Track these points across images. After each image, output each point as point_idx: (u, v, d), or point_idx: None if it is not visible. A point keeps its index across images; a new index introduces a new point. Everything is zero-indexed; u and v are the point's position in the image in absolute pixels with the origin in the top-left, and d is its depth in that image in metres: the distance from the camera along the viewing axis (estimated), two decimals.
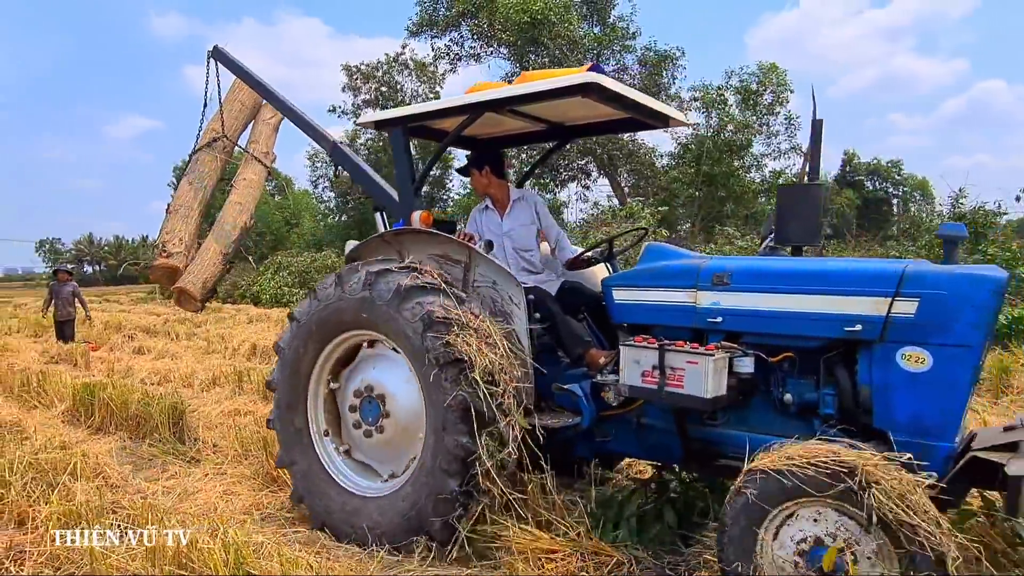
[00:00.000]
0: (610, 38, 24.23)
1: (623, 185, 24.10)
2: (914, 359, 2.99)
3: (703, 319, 3.49)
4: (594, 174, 28.61)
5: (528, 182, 5.94)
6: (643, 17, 50.65)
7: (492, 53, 25.63)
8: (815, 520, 2.63)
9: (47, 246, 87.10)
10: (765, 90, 27.15)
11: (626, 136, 25.14)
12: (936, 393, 2.94)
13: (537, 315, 3.93)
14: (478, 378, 3.35)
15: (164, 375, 8.79)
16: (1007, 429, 3.12)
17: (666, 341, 3.37)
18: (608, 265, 4.61)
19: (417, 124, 4.35)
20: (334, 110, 38.01)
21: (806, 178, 4.00)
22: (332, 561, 3.51)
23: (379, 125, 4.36)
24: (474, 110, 3.89)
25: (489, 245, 4.20)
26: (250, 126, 6.42)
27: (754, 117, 27.06)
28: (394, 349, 3.76)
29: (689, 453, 3.65)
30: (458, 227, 4.59)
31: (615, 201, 28.44)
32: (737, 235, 17.69)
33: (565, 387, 3.79)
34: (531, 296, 3.89)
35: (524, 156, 21.56)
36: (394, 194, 4.56)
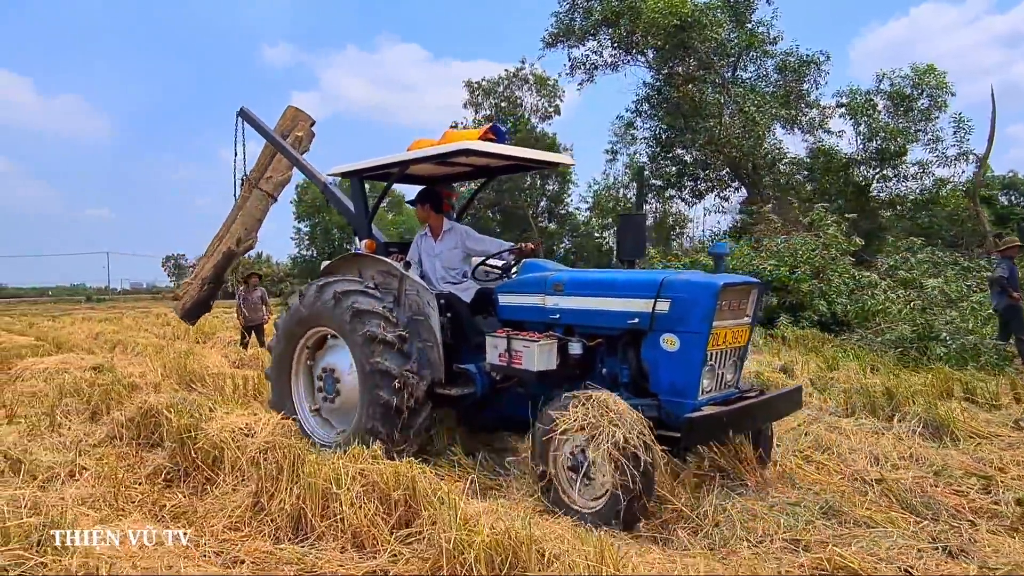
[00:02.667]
0: (750, 43, 22.38)
1: (768, 195, 22.06)
2: (670, 342, 4.11)
3: (548, 315, 4.68)
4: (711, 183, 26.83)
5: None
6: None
7: (630, 62, 24.39)
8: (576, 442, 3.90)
9: (172, 261, 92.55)
10: (921, 94, 24.43)
11: (769, 143, 23.22)
12: (683, 366, 4.09)
13: (448, 314, 5.21)
14: (394, 341, 4.82)
15: None
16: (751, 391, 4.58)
17: (512, 331, 4.65)
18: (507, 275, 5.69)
19: (369, 174, 5.87)
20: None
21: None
22: None
23: (344, 175, 5.93)
24: (401, 166, 5.47)
25: (407, 265, 5.48)
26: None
27: (907, 124, 24.31)
28: (341, 339, 5.19)
29: None
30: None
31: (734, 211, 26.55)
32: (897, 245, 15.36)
33: (463, 366, 5.03)
34: (443, 300, 5.22)
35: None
36: (373, 228, 6.01)
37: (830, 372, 8.65)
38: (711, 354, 4.16)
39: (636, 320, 4.21)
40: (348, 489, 3.74)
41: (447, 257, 5.66)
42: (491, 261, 5.71)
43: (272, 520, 3.87)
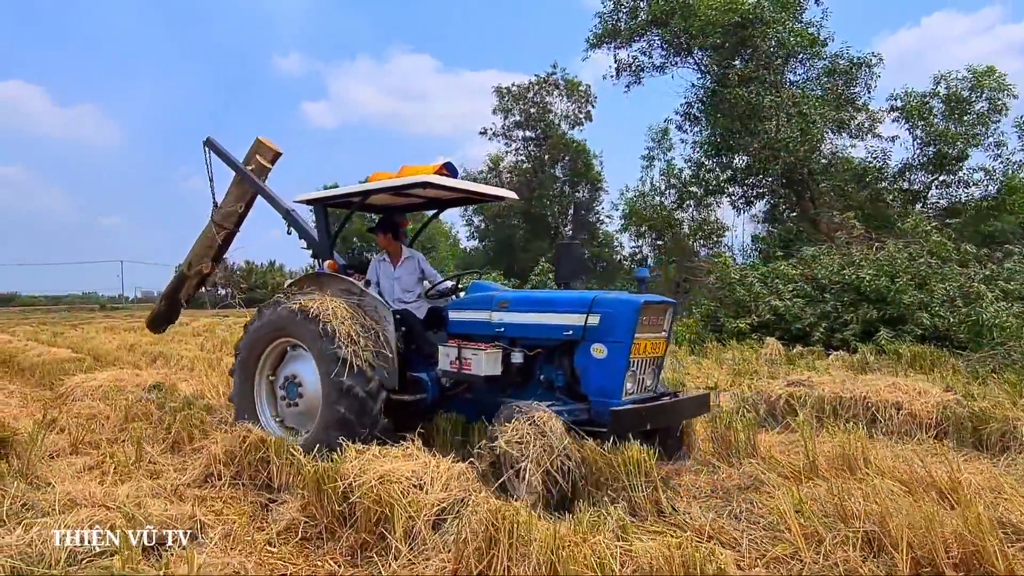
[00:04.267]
0: (812, 42, 21.37)
1: (825, 201, 21.06)
2: (598, 350, 4.80)
3: (494, 329, 5.33)
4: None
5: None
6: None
7: (678, 64, 23.45)
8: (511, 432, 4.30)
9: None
10: (979, 96, 23.42)
11: (826, 148, 22.27)
12: (609, 371, 4.77)
13: (403, 328, 5.80)
14: (358, 349, 5.31)
15: None
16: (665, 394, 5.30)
17: (463, 342, 5.32)
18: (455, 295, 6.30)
19: (332, 202, 6.37)
20: (485, 132, 37.35)
21: None
22: None
23: (309, 203, 6.42)
24: (362, 196, 6.05)
25: (367, 283, 6.07)
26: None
27: (964, 127, 23.27)
28: (304, 348, 5.66)
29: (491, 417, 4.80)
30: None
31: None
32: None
33: (416, 374, 5.67)
34: (399, 316, 5.81)
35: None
36: (331, 248, 6.49)
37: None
38: (633, 361, 4.82)
39: (571, 332, 4.90)
40: None
41: (405, 280, 6.33)
42: (441, 285, 6.34)
43: None
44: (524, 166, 38.85)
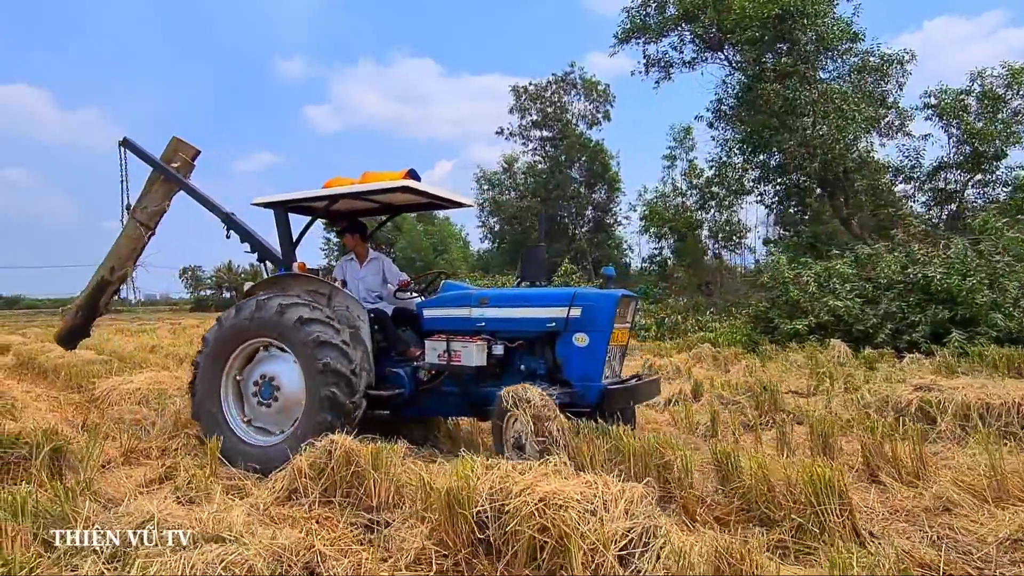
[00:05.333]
0: (854, 37, 20.71)
1: (862, 201, 20.42)
2: (581, 339, 5.29)
3: (476, 324, 5.64)
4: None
5: None
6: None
7: (708, 59, 22.78)
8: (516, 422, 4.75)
9: (189, 273, 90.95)
10: (1016, 94, 22.77)
11: (863, 146, 21.60)
12: (591, 358, 5.28)
13: (376, 327, 6.00)
14: (343, 347, 5.43)
15: None
16: (632, 377, 5.91)
17: (451, 336, 5.61)
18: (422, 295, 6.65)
19: (293, 205, 6.36)
20: (501, 132, 36.74)
21: None
22: None
23: (268, 205, 6.25)
24: (330, 200, 6.09)
25: (344, 283, 6.35)
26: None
27: (998, 125, 22.60)
28: (280, 348, 5.69)
29: (476, 406, 5.63)
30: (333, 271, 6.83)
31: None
32: None
33: (393, 369, 5.92)
34: (372, 314, 6.00)
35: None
36: (277, 252, 6.49)
37: None
38: (608, 349, 5.33)
39: (553, 324, 5.36)
40: None
41: (370, 281, 6.54)
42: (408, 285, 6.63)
43: None
44: (540, 166, 38.25)
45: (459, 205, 6.58)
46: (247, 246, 6.82)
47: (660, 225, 31.29)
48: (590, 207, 37.77)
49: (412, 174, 5.85)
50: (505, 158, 40.32)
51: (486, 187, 39.67)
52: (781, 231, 33.09)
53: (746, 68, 20.98)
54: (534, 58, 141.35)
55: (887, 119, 24.27)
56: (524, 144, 37.10)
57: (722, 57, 22.28)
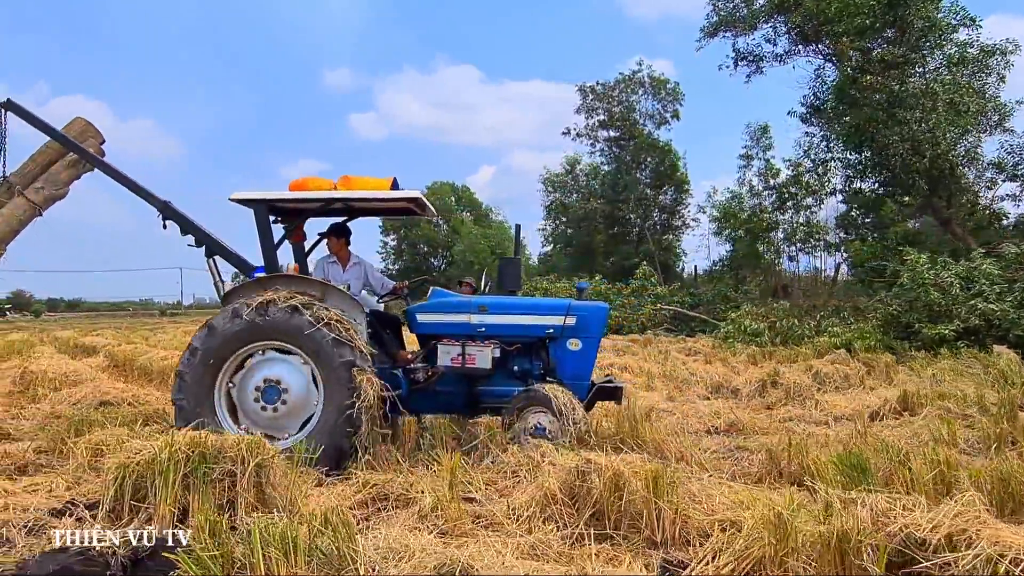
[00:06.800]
0: (952, 25, 19.52)
1: (971, 200, 19.19)
2: (574, 344, 6.04)
3: (476, 329, 6.06)
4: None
5: None
6: None
7: (799, 52, 21.72)
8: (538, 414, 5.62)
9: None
10: None
11: (971, 141, 20.34)
12: (583, 360, 6.07)
13: (370, 329, 6.03)
14: (360, 347, 5.50)
15: None
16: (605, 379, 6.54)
17: (466, 340, 6.02)
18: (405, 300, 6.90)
19: (281, 205, 6.30)
20: (568, 132, 36.00)
21: None
22: None
23: (248, 203, 6.05)
24: (328, 202, 6.24)
25: (348, 286, 6.24)
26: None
27: None
28: (282, 351, 5.63)
29: (469, 404, 6.20)
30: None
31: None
32: None
33: (390, 370, 6.02)
34: (368, 317, 6.08)
35: None
36: (224, 242, 6.42)
37: None
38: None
39: (552, 330, 6.06)
40: None
41: (353, 285, 6.45)
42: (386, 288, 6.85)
43: None
44: (604, 168, 37.44)
45: (434, 215, 7.17)
46: (191, 239, 6.30)
47: (735, 228, 30.20)
48: (656, 209, 36.79)
49: (395, 184, 6.02)
50: (567, 160, 39.61)
51: (550, 189, 39.01)
52: (843, 234, 31.90)
53: (845, 59, 19.86)
54: (576, 64, 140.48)
55: (987, 113, 22.95)
56: (591, 145, 36.31)
57: (820, 49, 21.19)
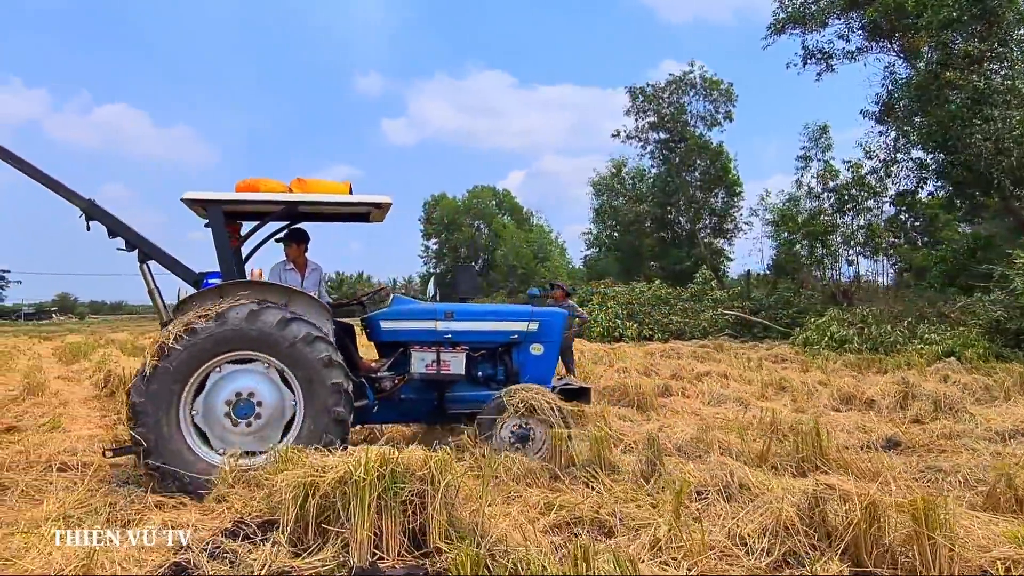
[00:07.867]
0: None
1: None
2: (537, 349, 6.27)
3: (442, 336, 6.10)
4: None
5: None
6: None
7: (870, 49, 20.93)
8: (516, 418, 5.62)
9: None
10: None
11: None
12: (545, 364, 6.32)
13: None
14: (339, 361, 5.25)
15: None
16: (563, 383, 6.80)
17: (440, 347, 6.08)
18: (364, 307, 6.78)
19: (237, 208, 5.90)
20: (618, 134, 35.44)
21: None
22: None
23: (202, 203, 5.63)
24: (290, 206, 5.79)
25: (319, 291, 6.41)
26: None
27: None
28: (241, 361, 5.19)
29: (435, 412, 6.18)
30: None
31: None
32: None
33: (359, 379, 5.85)
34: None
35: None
36: (160, 246, 5.71)
37: None
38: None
39: (516, 336, 6.27)
40: None
41: (312, 292, 6.15)
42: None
43: None
44: (652, 171, 36.84)
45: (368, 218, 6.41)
46: (121, 242, 5.58)
47: (792, 231, 29.38)
48: (706, 212, 36.07)
49: (350, 190, 5.96)
50: (614, 163, 39.09)
51: (599, 191, 38.48)
52: (892, 238, 30.88)
53: (919, 55, 19.07)
54: (607, 68, 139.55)
55: None
56: (642, 147, 35.70)
57: (894, 45, 20.41)
